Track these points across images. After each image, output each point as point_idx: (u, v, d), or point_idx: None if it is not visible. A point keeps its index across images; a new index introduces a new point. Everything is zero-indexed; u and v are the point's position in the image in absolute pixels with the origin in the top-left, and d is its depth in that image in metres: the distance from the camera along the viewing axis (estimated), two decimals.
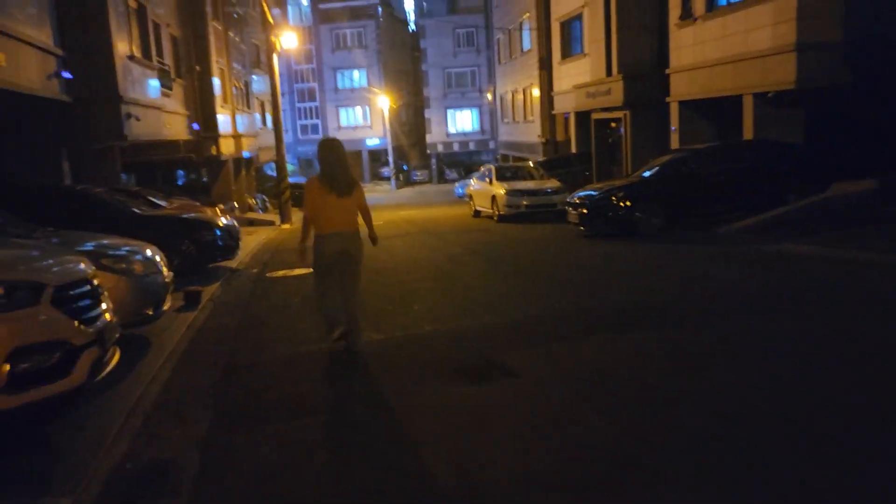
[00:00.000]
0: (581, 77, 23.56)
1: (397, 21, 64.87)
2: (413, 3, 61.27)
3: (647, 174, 13.76)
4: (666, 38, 18.74)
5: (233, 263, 12.67)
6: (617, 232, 12.99)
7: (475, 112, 54.19)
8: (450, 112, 54.37)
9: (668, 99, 18.29)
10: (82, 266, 4.61)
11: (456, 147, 55.06)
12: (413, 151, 59.84)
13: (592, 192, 13.74)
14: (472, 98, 53.60)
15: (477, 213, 20.54)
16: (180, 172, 30.49)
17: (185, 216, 12.05)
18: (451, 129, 54.74)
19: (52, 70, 11.34)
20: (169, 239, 11.35)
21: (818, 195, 12.49)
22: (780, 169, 13.22)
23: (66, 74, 11.64)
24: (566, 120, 28.18)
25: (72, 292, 4.28)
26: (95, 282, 4.69)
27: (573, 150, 25.90)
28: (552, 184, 18.65)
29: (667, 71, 18.26)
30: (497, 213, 18.36)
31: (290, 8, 52.84)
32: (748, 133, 15.18)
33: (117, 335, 4.98)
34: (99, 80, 12.98)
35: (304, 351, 6.48)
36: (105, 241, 6.86)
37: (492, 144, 53.05)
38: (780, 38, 13.60)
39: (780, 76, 13.64)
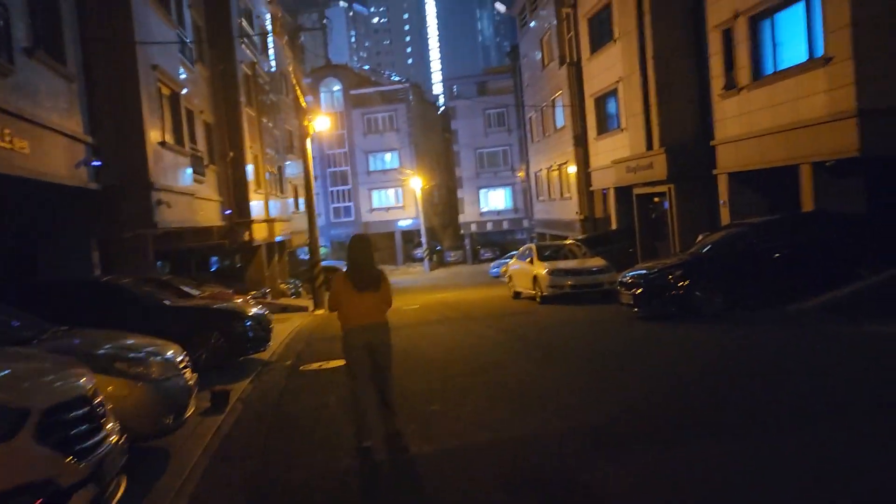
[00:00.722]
0: (619, 152, 23.02)
1: (428, 103, 66.05)
2: (443, 85, 62.42)
3: (703, 251, 12.85)
4: (708, 108, 18.16)
5: (265, 355, 11.92)
6: (675, 313, 12.01)
7: (508, 191, 54.06)
8: (482, 191, 54.31)
9: (714, 171, 17.53)
10: (81, 381, 3.85)
11: (489, 226, 54.69)
12: (446, 232, 59.62)
13: (645, 271, 12.85)
14: (505, 177, 53.58)
15: (517, 295, 19.67)
16: (214, 258, 30.36)
17: (214, 307, 11.41)
18: (484, 209, 54.53)
19: (81, 158, 11.02)
20: (197, 331, 10.75)
21: (894, 269, 11.44)
22: (848, 242, 12.22)
23: (96, 163, 11.31)
24: (604, 196, 27.53)
25: (64, 416, 3.51)
26: (97, 399, 3.92)
27: (613, 226, 25.11)
28: (597, 262, 17.78)
29: (712, 143, 17.58)
30: (540, 294, 17.47)
31: (322, 94, 54.09)
32: (807, 204, 14.27)
33: (125, 458, 4.17)
34: (130, 167, 12.68)
35: (344, 466, 5.57)
36: (123, 342, 6.14)
37: (526, 223, 52.58)
38: (837, 105, 12.85)
39: (840, 144, 12.82)
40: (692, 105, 19.56)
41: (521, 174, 52.26)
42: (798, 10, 14.20)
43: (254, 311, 11.64)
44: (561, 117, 30.69)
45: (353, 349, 6.03)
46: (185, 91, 16.70)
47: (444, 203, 61.77)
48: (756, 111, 15.50)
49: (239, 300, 16.27)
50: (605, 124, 25.50)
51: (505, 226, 54.60)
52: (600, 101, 25.62)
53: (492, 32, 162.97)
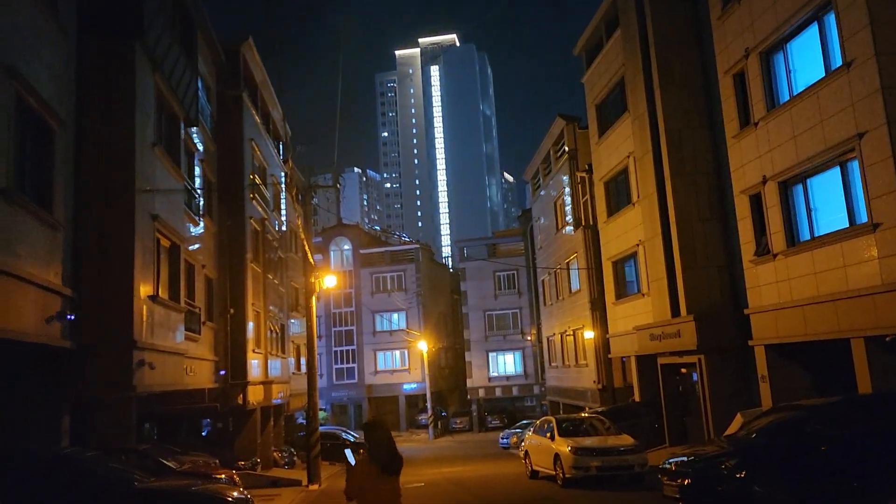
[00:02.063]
0: (640, 318, 21.79)
1: (437, 264, 66.03)
2: (452, 247, 62.72)
3: (754, 436, 11.13)
4: (740, 272, 17.10)
5: None
6: None
7: (517, 355, 52.35)
8: (491, 355, 52.59)
9: (751, 342, 16.14)
10: None
11: (498, 392, 52.40)
12: (452, 396, 57.19)
13: (690, 459, 11.08)
14: (515, 340, 52.08)
15: (535, 474, 17.59)
16: (205, 421, 28.31)
17: (189, 490, 9.66)
18: (493, 373, 52.52)
19: (55, 311, 9.80)
20: None
21: None
22: None
23: (70, 317, 10.06)
24: (624, 364, 25.97)
25: None
26: None
27: (636, 397, 23.33)
28: (625, 441, 15.93)
29: (746, 311, 16.33)
30: (562, 475, 15.48)
31: (332, 252, 54.07)
32: (863, 383, 12.77)
33: None
34: (111, 322, 11.43)
35: None
36: None
37: (536, 389, 50.39)
38: (894, 273, 11.74)
39: None
40: (721, 270, 18.60)
41: (530, 338, 50.83)
42: (833, 176, 13.52)
43: (234, 495, 9.87)
44: (576, 280, 29.83)
45: None
46: (187, 244, 15.84)
47: (451, 366, 59.81)
48: (796, 278, 14.39)
49: (222, 476, 14.40)
50: (625, 289, 24.49)
51: (514, 392, 52.30)
52: (618, 265, 24.79)
53: (500, 199, 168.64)
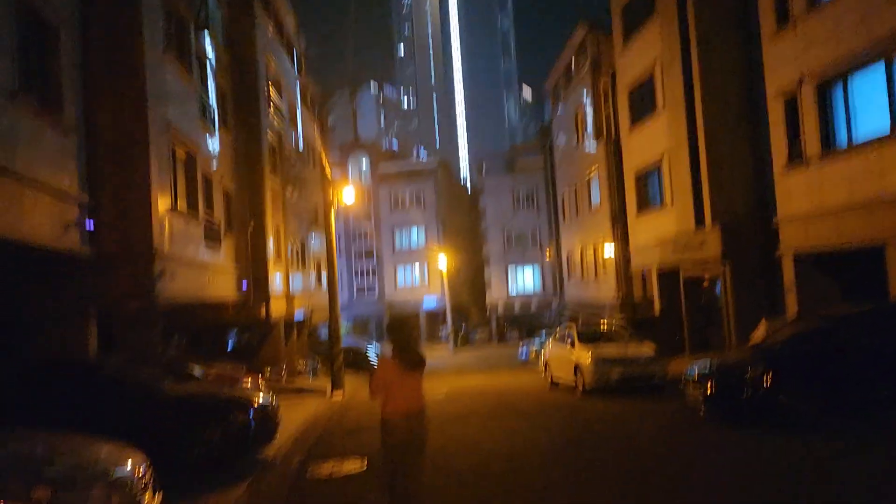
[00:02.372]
0: (663, 230, 21.45)
1: (455, 181, 65.56)
2: (470, 164, 61.97)
3: (781, 344, 10.98)
4: (769, 181, 16.61)
5: (270, 451, 10.15)
6: (753, 418, 10.07)
7: (536, 270, 52.45)
8: (510, 270, 52.75)
9: (778, 252, 15.81)
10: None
11: (517, 306, 52.82)
12: (472, 311, 57.69)
13: (709, 367, 10.99)
14: (533, 256, 52.06)
15: (555, 384, 17.74)
16: (231, 333, 28.85)
17: (211, 395, 9.75)
18: (512, 288, 52.82)
19: (72, 219, 9.67)
20: (191, 424, 9.10)
21: None
22: None
23: (89, 225, 9.96)
24: (644, 277, 25.82)
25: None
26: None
27: (656, 310, 23.27)
28: (647, 350, 15.90)
29: (775, 220, 15.93)
30: (582, 385, 15.57)
31: (350, 169, 53.68)
32: (895, 292, 12.48)
33: None
34: (131, 232, 11.33)
35: None
36: (52, 449, 4.53)
37: (555, 303, 50.65)
38: None
39: None
40: (749, 178, 18.09)
41: (549, 253, 50.74)
42: (876, 73, 12.79)
43: (259, 399, 9.96)
44: (596, 194, 29.37)
45: (396, 438, 5.86)
46: (203, 155, 15.58)
47: (471, 282, 60.15)
48: (829, 184, 13.92)
49: (247, 383, 14.65)
50: (647, 201, 24.04)
51: (533, 306, 52.69)
52: (641, 177, 24.25)
53: (518, 117, 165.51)
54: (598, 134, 28.33)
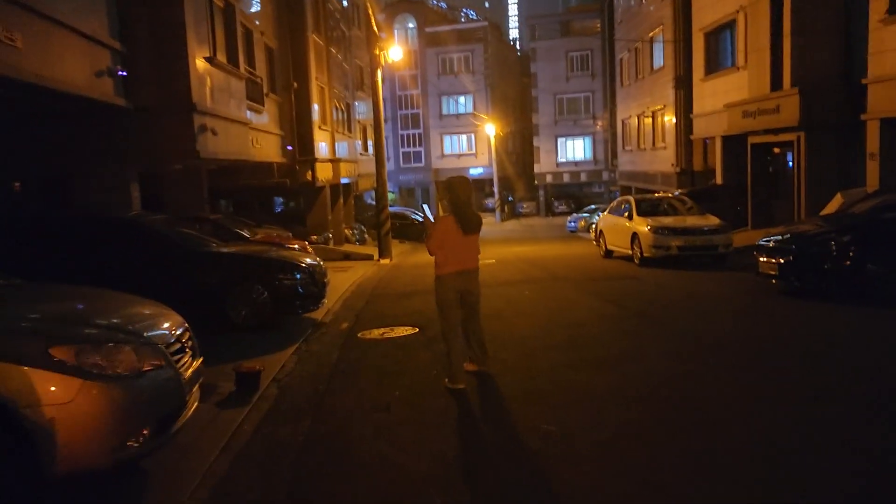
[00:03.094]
0: (733, 94, 19.89)
1: (506, 44, 62.57)
2: (520, 28, 58.79)
3: (867, 215, 10.03)
4: (857, 39, 14.94)
5: (318, 314, 9.93)
6: (833, 290, 9.36)
7: (587, 141, 50.64)
8: (560, 140, 51.02)
9: (863, 116, 14.41)
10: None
11: (566, 178, 51.56)
12: (519, 182, 56.76)
13: (794, 235, 10.16)
14: (585, 126, 50.10)
15: (609, 254, 17.15)
16: (278, 199, 28.75)
17: (258, 254, 9.39)
18: (562, 159, 51.31)
19: (105, 66, 9.03)
20: (237, 284, 8.82)
21: None
22: None
23: (121, 72, 9.31)
24: (706, 146, 24.41)
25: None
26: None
27: (718, 180, 22.09)
28: (710, 221, 15.04)
29: (863, 81, 14.41)
30: (640, 254, 14.93)
31: (396, 31, 51.41)
32: None
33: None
34: (167, 84, 10.68)
35: None
36: (84, 307, 4.12)
37: (605, 175, 49.34)
38: None
39: None
40: (835, 36, 16.30)
41: (601, 123, 48.82)
42: None
43: (307, 261, 9.60)
44: (660, 56, 27.39)
45: (451, 294, 5.96)
46: (242, 5, 14.56)
47: (519, 152, 58.76)
48: None
49: (295, 246, 14.38)
50: (717, 62, 22.25)
51: (582, 177, 51.39)
52: (712, 36, 22.32)
53: None
54: None
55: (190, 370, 4.16)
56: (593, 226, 28.99)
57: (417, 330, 8.61)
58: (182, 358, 4.10)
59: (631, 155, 33.53)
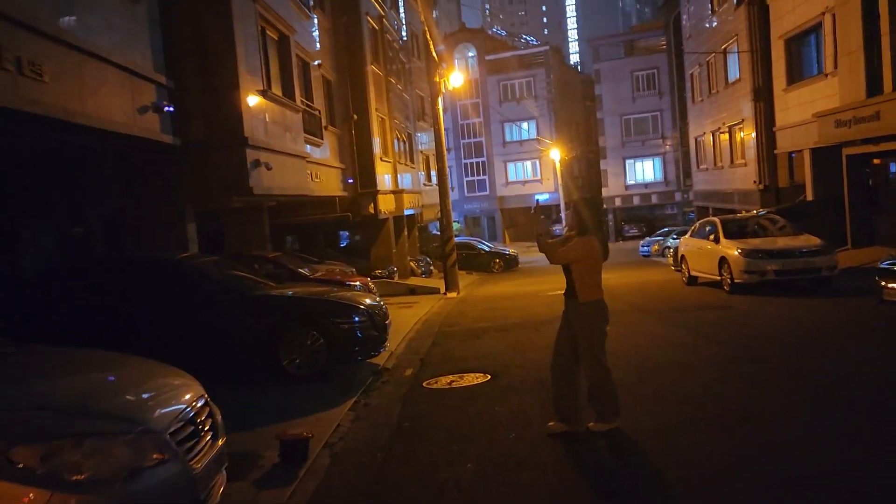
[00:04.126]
0: (822, 103, 18.34)
1: (568, 68, 61.63)
2: (580, 51, 57.85)
3: None
4: None
5: (380, 359, 9.07)
6: None
7: (657, 161, 48.86)
8: (629, 162, 49.43)
9: None
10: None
11: (636, 200, 49.82)
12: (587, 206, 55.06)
13: None
14: (654, 146, 48.38)
15: (693, 281, 15.78)
16: (343, 233, 28.37)
17: (312, 297, 8.64)
18: (630, 181, 49.64)
19: (149, 101, 8.53)
20: (289, 329, 8.06)
21: None
22: None
23: (168, 108, 8.80)
24: (791, 160, 22.73)
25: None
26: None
27: (808, 196, 20.41)
28: (809, 241, 13.57)
29: None
30: (729, 280, 13.57)
31: (456, 60, 51.17)
32: None
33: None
34: (218, 117, 10.19)
35: None
36: (79, 385, 3.32)
37: (678, 196, 47.42)
38: None
39: None
40: None
41: (671, 143, 47.09)
42: None
43: (367, 302, 8.78)
44: (735, 68, 25.90)
45: (603, 324, 5.41)
46: (297, 36, 14.14)
47: (585, 176, 57.34)
48: None
49: (356, 283, 13.69)
50: (800, 70, 20.72)
51: (653, 199, 49.51)
52: (793, 43, 20.84)
53: None
54: None
55: (207, 458, 3.30)
56: (669, 249, 27.53)
57: (489, 378, 7.63)
58: (198, 443, 3.24)
59: (706, 174, 31.85)
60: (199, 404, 3.45)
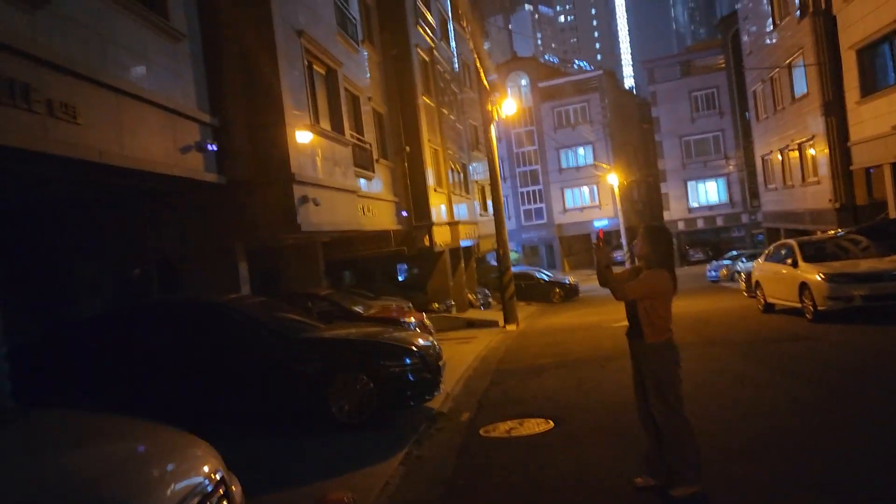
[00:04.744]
0: None
1: (623, 91, 60.73)
2: (635, 74, 56.90)
3: None
4: None
5: (436, 401, 8.51)
6: None
7: (721, 182, 47.24)
8: (690, 184, 47.93)
9: None
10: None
11: (700, 223, 48.18)
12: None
13: None
14: (717, 167, 46.82)
15: (769, 308, 14.75)
16: (401, 266, 28.07)
17: (360, 339, 8.18)
18: (693, 204, 48.08)
19: (192, 140, 8.32)
20: (336, 373, 7.60)
21: None
22: None
23: (211, 147, 8.58)
24: (869, 176, 21.36)
25: None
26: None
27: (892, 213, 19.03)
28: None
29: None
30: (811, 307, 12.55)
31: (509, 89, 50.97)
32: None
33: None
34: (264, 154, 9.94)
35: None
36: (62, 467, 2.85)
37: (745, 218, 45.67)
38: None
39: None
40: None
41: (734, 163, 45.56)
42: None
43: (419, 342, 8.27)
44: (801, 83, 24.69)
45: (675, 365, 4.74)
46: (345, 70, 13.97)
47: (645, 200, 55.98)
48: None
49: (411, 320, 13.22)
50: (874, 81, 19.48)
51: (719, 222, 47.80)
52: (865, 53, 19.65)
53: (686, 19, 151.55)
54: (802, 8, 23.54)
55: None
56: (739, 273, 26.21)
57: (552, 424, 6.98)
58: None
59: (776, 193, 30.40)
60: (217, 474, 2.98)
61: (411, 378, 7.75)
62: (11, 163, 5.66)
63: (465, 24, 31.63)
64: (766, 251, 16.09)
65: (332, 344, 8.00)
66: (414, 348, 7.97)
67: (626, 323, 4.94)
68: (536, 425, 7.05)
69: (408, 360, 7.78)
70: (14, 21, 5.41)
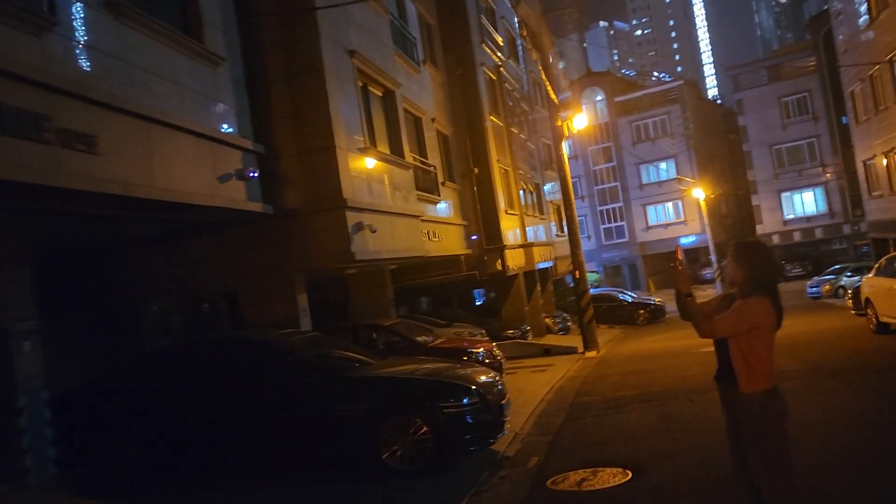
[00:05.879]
0: None
1: (705, 102, 58.30)
2: (719, 82, 54.56)
3: None
4: None
5: (500, 444, 7.65)
6: None
7: (818, 192, 44.19)
8: (784, 195, 45.05)
9: None
10: None
11: (797, 236, 45.18)
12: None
13: None
14: (813, 175, 43.85)
15: (884, 328, 13.13)
16: (478, 292, 27.31)
17: (413, 378, 7.44)
18: (789, 215, 45.16)
19: (233, 169, 7.88)
20: (387, 415, 6.89)
21: None
22: None
23: (252, 174, 8.12)
24: None
25: None
26: None
27: None
28: None
29: None
30: None
31: (584, 105, 49.64)
32: None
33: None
34: (315, 180, 9.46)
35: None
36: None
37: (847, 229, 42.52)
38: None
39: None
40: None
41: (832, 170, 42.68)
42: None
43: (480, 379, 7.46)
44: None
45: (782, 419, 3.71)
46: (404, 91, 13.47)
47: (734, 214, 53.20)
48: None
49: (479, 350, 12.41)
50: None
51: (818, 234, 44.67)
52: None
53: (772, 24, 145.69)
54: None
55: None
56: (845, 289, 24.09)
57: (630, 475, 6.01)
58: None
59: (882, 201, 27.97)
60: None
61: (470, 420, 6.94)
62: (24, 199, 5.29)
63: (531, 40, 30.92)
64: (877, 264, 14.44)
65: (380, 383, 7.31)
66: (473, 387, 7.16)
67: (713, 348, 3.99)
68: (612, 476, 6.10)
69: (466, 400, 6.98)
70: (19, 47, 5.04)
